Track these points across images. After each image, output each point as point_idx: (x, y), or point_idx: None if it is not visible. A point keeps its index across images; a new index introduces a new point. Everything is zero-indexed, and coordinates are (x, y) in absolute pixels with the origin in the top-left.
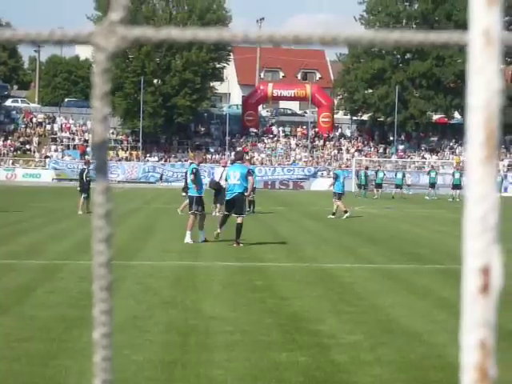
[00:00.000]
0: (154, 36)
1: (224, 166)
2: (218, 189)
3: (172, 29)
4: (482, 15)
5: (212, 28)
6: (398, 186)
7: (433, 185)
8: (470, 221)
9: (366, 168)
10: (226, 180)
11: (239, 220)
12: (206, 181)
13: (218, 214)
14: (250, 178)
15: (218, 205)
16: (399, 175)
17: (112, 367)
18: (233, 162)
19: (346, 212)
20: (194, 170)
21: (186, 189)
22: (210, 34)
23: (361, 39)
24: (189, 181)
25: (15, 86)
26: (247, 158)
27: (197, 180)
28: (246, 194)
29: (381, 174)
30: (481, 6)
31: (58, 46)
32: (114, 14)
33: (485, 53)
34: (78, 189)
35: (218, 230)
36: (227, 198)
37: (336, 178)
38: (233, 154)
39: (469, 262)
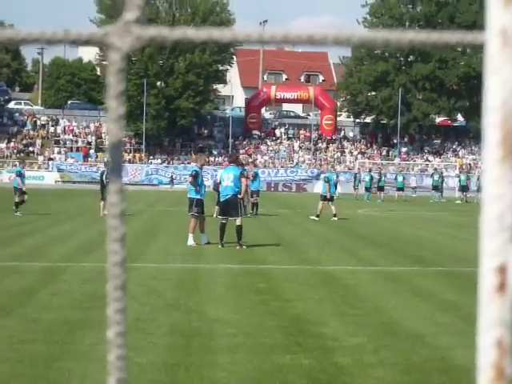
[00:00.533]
0: (169, 36)
1: None
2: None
3: (187, 29)
4: (499, 15)
5: (226, 28)
6: (400, 189)
7: (436, 187)
8: (487, 220)
9: (370, 170)
10: (220, 183)
11: (238, 222)
12: (208, 183)
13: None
14: (242, 179)
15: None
16: (400, 178)
17: (126, 366)
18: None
19: (335, 215)
20: (194, 173)
21: None
22: (224, 33)
23: (375, 39)
24: (188, 183)
25: (17, 88)
26: (250, 160)
27: (196, 182)
28: (239, 196)
29: (383, 177)
30: (498, 6)
31: (73, 46)
32: (129, 14)
33: (502, 53)
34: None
35: (220, 246)
36: (221, 201)
37: (329, 181)
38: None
39: (485, 261)
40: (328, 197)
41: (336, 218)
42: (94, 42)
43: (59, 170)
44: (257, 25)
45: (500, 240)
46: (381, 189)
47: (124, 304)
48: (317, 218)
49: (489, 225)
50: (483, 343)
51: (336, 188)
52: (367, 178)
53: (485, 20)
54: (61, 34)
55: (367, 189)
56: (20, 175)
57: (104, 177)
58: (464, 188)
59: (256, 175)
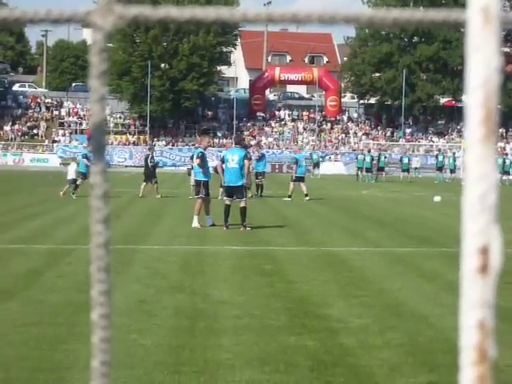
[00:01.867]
0: (152, 15)
1: None
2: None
3: (170, 8)
4: None
5: (210, 7)
6: (405, 170)
7: (440, 168)
8: (469, 200)
9: (369, 151)
10: (223, 163)
11: (242, 204)
12: (214, 164)
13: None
14: (245, 161)
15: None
16: (405, 159)
17: (111, 348)
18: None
19: (306, 195)
20: (200, 154)
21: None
22: (208, 13)
23: (359, 18)
24: (195, 165)
25: (21, 71)
26: (254, 142)
27: (203, 164)
28: (244, 181)
29: (382, 158)
30: None
31: (55, 25)
32: None
33: (483, 31)
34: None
35: (224, 228)
36: (226, 185)
37: (296, 162)
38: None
39: (467, 242)
40: (294, 177)
41: (307, 198)
42: (76, 21)
43: (62, 159)
44: (261, 6)
45: (482, 221)
46: (381, 169)
47: (108, 286)
48: (289, 199)
49: (471, 205)
50: (465, 324)
51: (305, 169)
52: (368, 159)
53: None
54: (42, 12)
55: (368, 169)
56: (87, 158)
57: (148, 160)
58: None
59: (262, 156)
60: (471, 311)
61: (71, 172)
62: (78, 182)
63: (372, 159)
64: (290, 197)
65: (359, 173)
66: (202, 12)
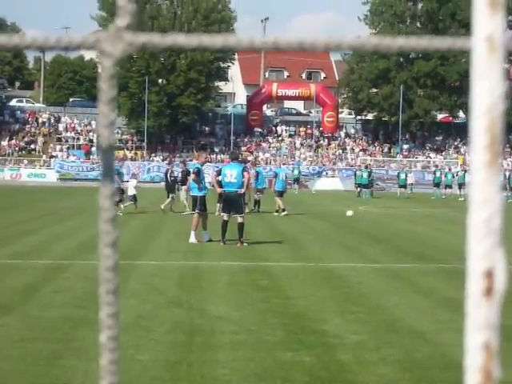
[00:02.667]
0: (160, 42)
1: None
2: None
3: (178, 35)
4: (486, 22)
5: (217, 34)
6: (402, 186)
7: (437, 184)
8: (474, 224)
9: (366, 166)
10: (219, 175)
11: (240, 220)
12: (209, 179)
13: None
14: (245, 173)
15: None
16: (402, 175)
17: (119, 370)
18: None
19: (283, 210)
20: (196, 170)
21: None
22: (215, 39)
23: (365, 45)
24: (191, 180)
25: (19, 86)
26: (250, 158)
27: (198, 179)
28: (242, 191)
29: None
30: (484, 13)
31: (65, 52)
32: (121, 20)
33: (488, 59)
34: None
35: (221, 243)
36: (224, 198)
37: (275, 175)
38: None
39: (473, 265)
40: (275, 191)
41: (281, 214)
42: (85, 48)
43: (59, 173)
44: (258, 22)
45: (487, 244)
46: (366, 186)
47: (116, 308)
48: (283, 213)
49: (476, 229)
50: (470, 346)
51: (284, 183)
52: (365, 175)
53: (471, 27)
54: (52, 40)
55: (365, 186)
56: (118, 173)
57: (168, 175)
58: (461, 185)
59: (258, 174)
60: (476, 333)
61: (131, 188)
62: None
63: (369, 175)
64: (277, 211)
65: (359, 189)
66: (208, 39)
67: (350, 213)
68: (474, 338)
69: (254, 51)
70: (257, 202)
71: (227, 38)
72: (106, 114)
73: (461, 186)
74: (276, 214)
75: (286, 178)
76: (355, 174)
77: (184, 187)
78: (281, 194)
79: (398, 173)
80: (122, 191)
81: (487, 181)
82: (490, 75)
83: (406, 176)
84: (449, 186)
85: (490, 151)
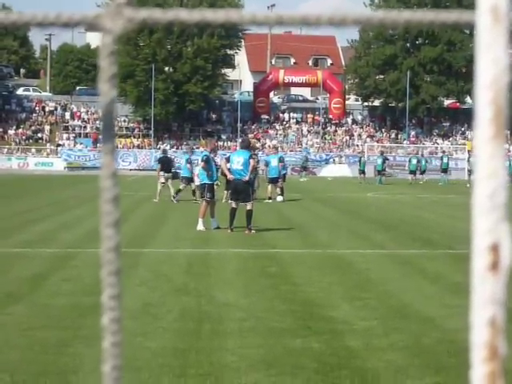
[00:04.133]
0: (161, 18)
1: None
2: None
3: (179, 10)
4: None
5: (219, 9)
6: (413, 172)
7: (445, 170)
8: (479, 198)
9: (382, 153)
10: (228, 161)
11: (248, 207)
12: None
13: (228, 200)
14: (251, 161)
15: (227, 191)
16: (414, 161)
17: (122, 353)
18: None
19: (270, 199)
20: (205, 158)
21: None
22: (217, 15)
23: (370, 19)
24: (200, 168)
25: (25, 75)
26: (258, 145)
27: (208, 167)
28: (246, 178)
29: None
30: None
31: (64, 29)
32: None
33: (492, 30)
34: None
35: (229, 231)
36: (232, 185)
37: (266, 164)
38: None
39: (478, 239)
40: (268, 178)
41: (270, 201)
42: (85, 25)
43: (67, 162)
44: (264, 9)
45: (492, 218)
46: (380, 172)
47: (119, 290)
48: (279, 198)
49: (481, 203)
50: (476, 322)
51: (277, 171)
52: (379, 161)
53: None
54: (52, 16)
55: (379, 172)
56: (190, 162)
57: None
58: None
59: (267, 163)
60: (482, 309)
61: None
62: (180, 187)
63: (383, 161)
64: (270, 198)
65: (362, 175)
66: (211, 14)
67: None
68: (479, 313)
69: (260, 38)
70: (281, 190)
71: (229, 13)
72: (106, 91)
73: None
74: (269, 201)
75: (280, 163)
76: (360, 161)
77: (167, 174)
78: (272, 180)
79: (410, 158)
80: (191, 180)
81: (492, 155)
82: (494, 46)
83: (418, 161)
84: (445, 171)
85: (494, 124)
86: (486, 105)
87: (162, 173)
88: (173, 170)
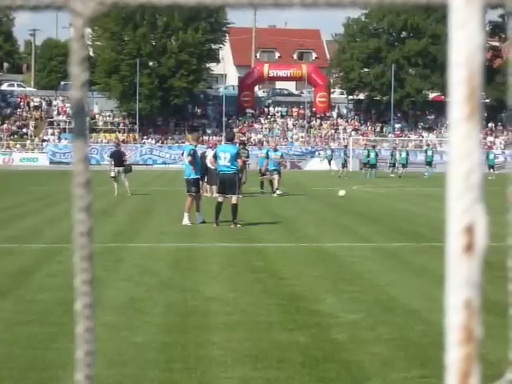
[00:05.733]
0: (132, 1)
1: (211, 147)
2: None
3: None
4: None
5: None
6: (404, 166)
7: (429, 163)
8: (453, 179)
9: (373, 147)
10: (216, 159)
11: (234, 200)
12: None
13: (208, 195)
14: (239, 160)
15: (208, 186)
16: (403, 154)
17: (94, 338)
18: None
19: (273, 192)
20: (192, 152)
21: None
22: None
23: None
24: (185, 162)
25: (6, 65)
26: (243, 138)
27: (194, 162)
28: (234, 172)
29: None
30: None
31: (34, 11)
32: None
33: (467, 7)
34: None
35: (215, 225)
36: (219, 179)
37: (267, 157)
38: (224, 134)
39: (452, 221)
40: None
41: (279, 192)
42: (55, 8)
43: (52, 161)
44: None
45: (467, 200)
46: (373, 166)
47: (91, 275)
48: (278, 192)
49: (455, 184)
50: (451, 304)
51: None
52: (372, 155)
53: None
54: None
55: (372, 166)
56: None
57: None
58: None
59: (268, 154)
60: (457, 291)
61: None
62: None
63: (376, 155)
64: (277, 189)
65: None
66: None
67: (342, 193)
68: (454, 295)
69: (245, 32)
70: (270, 183)
71: None
72: (77, 74)
73: None
74: (278, 192)
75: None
76: (345, 154)
77: (117, 168)
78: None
79: (401, 152)
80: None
81: (466, 135)
82: (468, 24)
83: (408, 155)
84: (430, 164)
85: (468, 104)
86: (460, 84)
87: (112, 167)
88: (125, 164)
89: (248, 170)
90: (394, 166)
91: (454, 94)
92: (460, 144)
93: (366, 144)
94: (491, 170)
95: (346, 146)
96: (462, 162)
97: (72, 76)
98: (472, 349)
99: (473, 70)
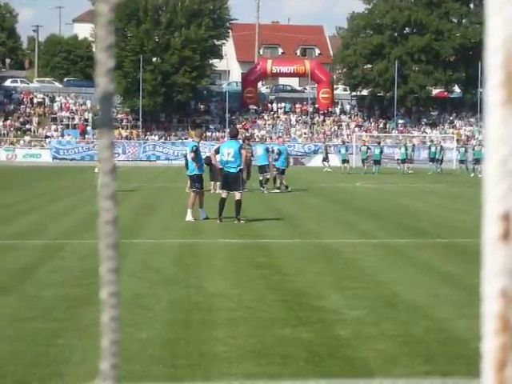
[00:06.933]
0: None
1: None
2: (210, 164)
3: None
4: None
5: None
6: (404, 161)
7: (433, 159)
8: (490, 166)
9: (379, 143)
10: (217, 153)
11: (237, 196)
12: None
13: (216, 191)
14: (242, 151)
15: (213, 182)
16: (403, 150)
17: (120, 327)
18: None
19: (287, 187)
20: (195, 148)
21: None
22: None
23: None
24: (189, 158)
25: (9, 62)
26: (247, 134)
27: (197, 158)
28: (238, 168)
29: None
30: None
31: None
32: None
33: None
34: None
35: (218, 221)
36: (223, 176)
37: (279, 153)
38: (227, 130)
39: (489, 208)
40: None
41: (278, 191)
42: None
43: (55, 158)
44: (252, 2)
45: (503, 186)
46: (377, 162)
47: (117, 263)
48: (289, 189)
49: (492, 171)
50: (488, 293)
51: (286, 161)
52: (377, 151)
53: None
54: None
55: (377, 161)
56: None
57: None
58: (463, 161)
59: (280, 152)
60: (493, 279)
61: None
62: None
63: (381, 151)
64: (278, 188)
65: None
66: None
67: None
68: (490, 284)
69: (248, 28)
70: (278, 181)
71: None
72: (104, 61)
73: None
74: (277, 190)
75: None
76: (339, 151)
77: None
78: (283, 171)
79: (405, 147)
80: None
81: (502, 120)
82: (504, 9)
83: (406, 150)
84: (433, 161)
85: (505, 88)
86: (496, 68)
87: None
88: None
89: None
90: (403, 162)
91: (490, 79)
92: (496, 129)
93: (364, 141)
94: None
95: (343, 142)
96: (498, 147)
97: (98, 63)
98: (508, 338)
99: (509, 54)
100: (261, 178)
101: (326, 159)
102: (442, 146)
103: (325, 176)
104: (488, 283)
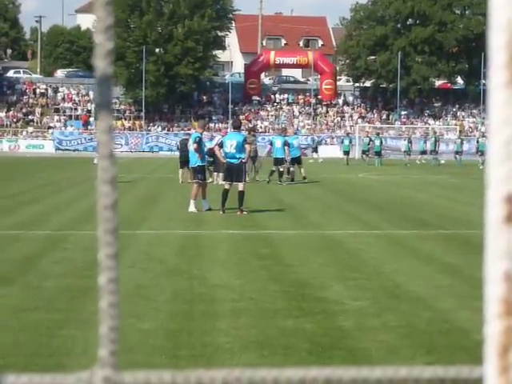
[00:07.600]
0: None
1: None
2: (212, 155)
3: None
4: None
5: None
6: (406, 153)
7: (433, 151)
8: (493, 147)
9: (378, 134)
10: (221, 147)
11: (240, 187)
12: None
13: (219, 182)
14: (246, 146)
15: (215, 173)
16: (406, 141)
17: (119, 314)
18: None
19: (304, 178)
20: (197, 139)
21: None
22: None
23: None
24: (191, 149)
25: (9, 52)
26: (251, 125)
27: (200, 149)
28: (243, 160)
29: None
30: None
31: None
32: None
33: None
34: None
35: (221, 212)
36: (226, 167)
37: (289, 145)
38: (230, 121)
39: (492, 190)
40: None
41: (306, 180)
42: None
43: (58, 149)
44: None
45: (507, 168)
46: (378, 154)
47: (116, 249)
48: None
49: (495, 152)
50: (491, 276)
51: (299, 150)
52: (377, 143)
53: None
54: None
55: (377, 153)
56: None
57: (180, 145)
58: (458, 152)
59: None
60: (497, 262)
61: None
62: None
63: (381, 143)
64: (304, 178)
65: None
66: None
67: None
68: (494, 267)
69: (251, 19)
70: (290, 172)
71: None
72: (102, 43)
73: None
74: (305, 180)
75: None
76: (342, 142)
77: None
78: (299, 160)
79: (410, 139)
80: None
81: (506, 101)
82: None
83: (410, 142)
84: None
85: (509, 69)
86: (500, 49)
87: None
88: None
89: (263, 156)
90: (409, 153)
91: (493, 58)
92: (500, 111)
93: (367, 132)
94: None
95: (347, 134)
96: (501, 129)
97: (96, 44)
98: None
99: None
100: (281, 169)
101: (315, 150)
102: (435, 138)
103: (327, 167)
104: (491, 266)
